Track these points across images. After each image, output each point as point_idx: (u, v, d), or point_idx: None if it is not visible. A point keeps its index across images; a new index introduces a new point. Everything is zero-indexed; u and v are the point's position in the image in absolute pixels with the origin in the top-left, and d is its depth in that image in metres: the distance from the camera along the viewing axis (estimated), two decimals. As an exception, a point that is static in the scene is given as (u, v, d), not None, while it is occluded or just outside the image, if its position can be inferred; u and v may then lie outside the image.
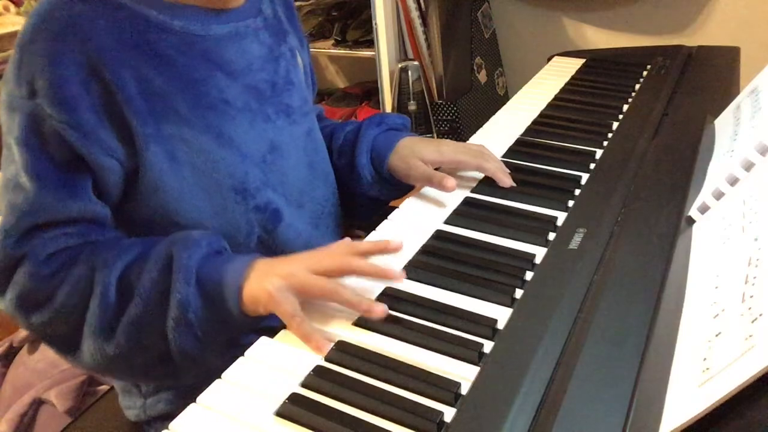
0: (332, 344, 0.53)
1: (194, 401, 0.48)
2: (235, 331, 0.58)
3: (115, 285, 0.57)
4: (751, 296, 0.41)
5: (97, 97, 0.59)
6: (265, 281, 0.55)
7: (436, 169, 0.77)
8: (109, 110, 0.59)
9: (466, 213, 0.71)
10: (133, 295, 0.56)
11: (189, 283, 0.55)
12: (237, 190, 0.67)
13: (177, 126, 0.63)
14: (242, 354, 0.52)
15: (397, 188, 0.81)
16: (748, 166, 0.57)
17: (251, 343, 0.54)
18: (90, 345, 0.58)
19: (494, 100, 1.66)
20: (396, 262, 0.62)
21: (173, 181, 0.63)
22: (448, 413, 0.45)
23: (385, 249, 0.60)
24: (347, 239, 0.61)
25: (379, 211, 0.84)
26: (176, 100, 0.63)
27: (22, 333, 1.20)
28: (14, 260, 0.59)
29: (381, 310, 0.54)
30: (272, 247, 0.71)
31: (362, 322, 0.54)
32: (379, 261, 0.60)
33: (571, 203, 0.70)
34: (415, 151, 0.77)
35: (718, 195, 0.59)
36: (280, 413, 0.46)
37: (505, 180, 0.75)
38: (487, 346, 0.51)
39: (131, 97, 0.60)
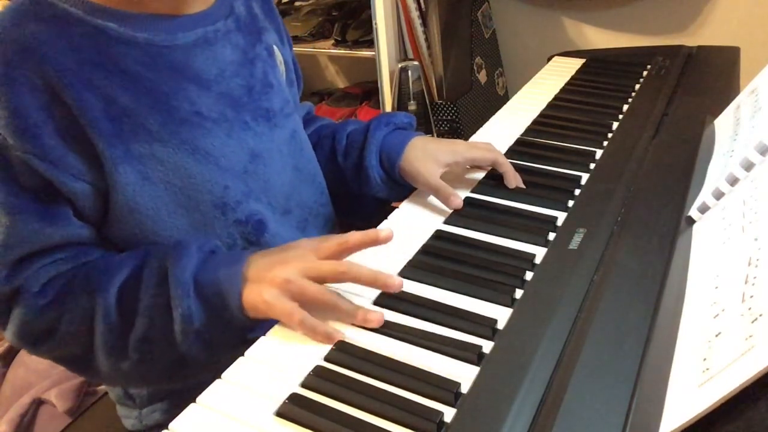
0: (339, 333, 0.53)
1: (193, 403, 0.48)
2: (244, 330, 0.58)
3: (114, 306, 0.57)
4: (751, 296, 0.41)
5: (59, 121, 0.56)
6: (262, 289, 0.54)
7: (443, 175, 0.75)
8: (73, 134, 0.57)
9: (466, 213, 0.71)
10: (136, 312, 0.56)
11: (188, 295, 0.55)
12: (216, 205, 0.64)
13: (148, 144, 0.60)
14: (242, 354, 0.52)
15: (405, 189, 0.79)
16: (748, 166, 0.57)
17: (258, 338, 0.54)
18: (104, 364, 0.58)
19: (494, 100, 1.66)
20: (396, 262, 0.62)
21: (148, 201, 0.61)
22: (448, 413, 0.45)
23: (375, 240, 0.58)
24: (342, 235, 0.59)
25: (382, 210, 0.84)
26: (145, 118, 0.60)
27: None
28: (9, 294, 0.58)
29: (377, 319, 0.54)
30: None
31: (362, 322, 0.55)
32: (379, 262, 0.60)
33: (571, 203, 0.70)
34: (428, 153, 0.74)
35: (718, 195, 0.59)
36: (280, 413, 0.46)
37: (513, 180, 0.74)
38: (487, 346, 0.51)
39: (95, 119, 0.57)
